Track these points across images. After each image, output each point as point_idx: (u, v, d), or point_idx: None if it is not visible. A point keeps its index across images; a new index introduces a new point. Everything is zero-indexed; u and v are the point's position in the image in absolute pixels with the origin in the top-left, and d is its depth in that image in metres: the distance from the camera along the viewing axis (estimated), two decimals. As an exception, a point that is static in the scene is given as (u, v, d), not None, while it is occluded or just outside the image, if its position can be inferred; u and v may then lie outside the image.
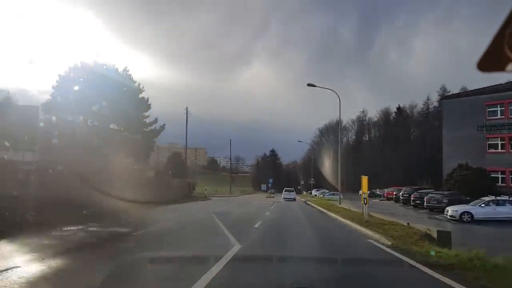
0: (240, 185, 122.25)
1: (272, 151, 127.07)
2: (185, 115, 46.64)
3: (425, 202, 28.89)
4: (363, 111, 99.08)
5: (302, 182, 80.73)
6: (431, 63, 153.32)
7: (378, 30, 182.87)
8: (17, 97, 37.32)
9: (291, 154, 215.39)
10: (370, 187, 68.73)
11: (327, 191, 67.37)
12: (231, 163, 66.99)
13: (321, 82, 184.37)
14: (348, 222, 16.34)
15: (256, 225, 13.60)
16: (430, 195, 29.47)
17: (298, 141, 54.31)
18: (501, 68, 1.42)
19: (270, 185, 63.55)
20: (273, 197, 57.71)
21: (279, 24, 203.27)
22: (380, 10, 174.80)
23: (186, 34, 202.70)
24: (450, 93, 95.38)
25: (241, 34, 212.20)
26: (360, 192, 68.78)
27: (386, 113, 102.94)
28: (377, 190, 75.01)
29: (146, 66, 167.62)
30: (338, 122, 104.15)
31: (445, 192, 29.59)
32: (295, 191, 59.50)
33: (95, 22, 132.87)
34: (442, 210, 26.41)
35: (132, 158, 30.92)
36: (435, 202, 28.29)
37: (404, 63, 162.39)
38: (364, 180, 21.49)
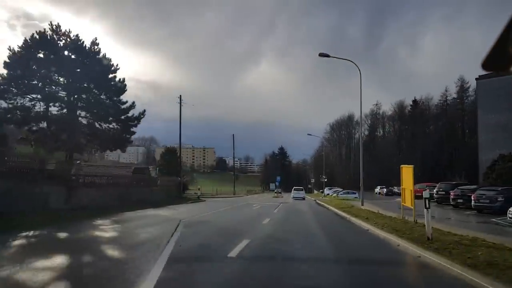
0: (249, 185, 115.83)
1: (281, 149, 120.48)
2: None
3: (473, 201, 22.05)
4: (376, 104, 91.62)
5: (313, 180, 74.06)
6: (440, 59, 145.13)
7: (386, 27, 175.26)
8: None
9: (301, 154, 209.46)
10: (386, 185, 60.80)
11: (340, 189, 60.60)
12: (234, 160, 59.85)
13: (329, 80, 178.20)
14: (394, 238, 9.70)
15: (232, 253, 7.07)
16: (479, 192, 22.59)
17: (308, 134, 47.34)
18: (505, 68, 1.40)
19: (277, 183, 56.89)
20: (281, 196, 51.19)
21: (286, 23, 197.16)
22: (388, 6, 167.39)
23: (193, 35, 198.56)
24: (469, 85, 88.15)
25: (248, 34, 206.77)
26: (377, 190, 61.22)
27: (400, 107, 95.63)
28: (395, 187, 67.86)
29: (152, 68, 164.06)
30: (350, 116, 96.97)
31: (499, 188, 22.70)
32: (306, 190, 57.08)
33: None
34: (497, 212, 19.73)
35: (103, 151, 24.81)
36: (487, 201, 21.42)
37: (413, 59, 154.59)
38: (407, 171, 14.81)
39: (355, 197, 49.48)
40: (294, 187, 49.07)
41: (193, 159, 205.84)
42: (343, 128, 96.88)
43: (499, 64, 1.39)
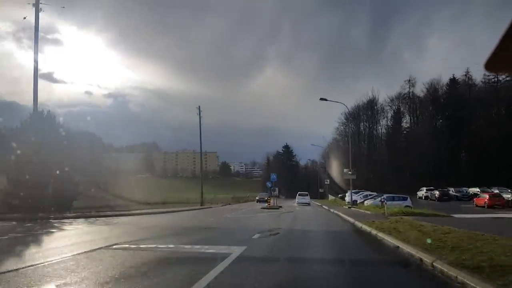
0: (253, 190, 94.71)
1: (286, 147, 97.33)
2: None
3: None
4: (409, 80, 68.03)
5: (327, 182, 51.30)
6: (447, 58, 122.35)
7: (391, 28, 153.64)
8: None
9: (309, 156, 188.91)
10: (427, 186, 38.87)
11: (370, 193, 37.46)
12: (201, 149, 35.60)
13: (334, 83, 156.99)
14: None
15: None
16: None
17: (321, 98, 25.33)
18: (508, 69, 1.36)
19: (269, 185, 33.60)
20: (276, 207, 27.71)
21: (289, 28, 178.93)
22: (392, 7, 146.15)
23: (197, 43, 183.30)
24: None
25: (252, 40, 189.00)
26: (421, 193, 36.81)
27: (434, 88, 72.12)
28: (451, 189, 44.43)
29: (157, 76, 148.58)
30: (371, 101, 73.57)
31: None
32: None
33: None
34: None
35: None
36: None
37: (419, 60, 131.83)
38: None
39: (407, 205, 26.76)
40: (299, 192, 44.25)
41: (194, 164, 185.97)
42: (362, 116, 73.27)
43: (502, 65, 1.32)
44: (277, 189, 56.38)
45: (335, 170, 62.47)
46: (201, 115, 32.67)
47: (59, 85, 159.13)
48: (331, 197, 54.82)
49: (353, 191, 40.88)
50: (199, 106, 32.59)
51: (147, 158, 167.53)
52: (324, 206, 33.13)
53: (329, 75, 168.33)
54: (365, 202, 30.31)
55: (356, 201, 34.09)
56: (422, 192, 44.85)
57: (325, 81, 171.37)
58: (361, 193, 37.72)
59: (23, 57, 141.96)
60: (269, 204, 27.25)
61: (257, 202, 41.63)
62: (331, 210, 25.87)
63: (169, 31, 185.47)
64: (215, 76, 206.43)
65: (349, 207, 27.78)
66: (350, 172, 28.67)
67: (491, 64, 1.32)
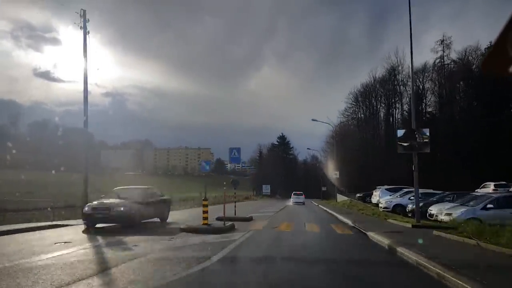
0: (245, 189, 79.43)
1: (282, 138, 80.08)
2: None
3: None
4: (442, 41, 50.53)
5: (337, 175, 34.73)
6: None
7: (387, 27, 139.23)
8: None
9: (308, 158, 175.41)
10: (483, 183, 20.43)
11: (432, 191, 20.16)
12: (86, 91, 19.47)
13: (330, 82, 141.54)
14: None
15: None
16: None
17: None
18: (505, 69, 1.28)
19: (206, 167, 15.26)
20: (228, 227, 9.55)
21: (286, 27, 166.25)
22: (389, 6, 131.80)
23: (193, 42, 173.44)
24: None
25: (249, 39, 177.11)
26: (486, 190, 22.62)
27: (467, 61, 54.77)
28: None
29: (155, 75, 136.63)
30: (392, 69, 53.23)
31: None
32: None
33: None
34: None
35: None
36: None
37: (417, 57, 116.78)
38: None
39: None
40: (294, 192, 41.27)
41: (186, 161, 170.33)
42: (378, 91, 55.66)
43: (499, 65, 1.26)
44: (269, 186, 39.85)
45: (342, 163, 45.92)
46: (87, 26, 15.76)
47: (57, 84, 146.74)
48: (340, 198, 37.93)
49: (380, 188, 24.06)
50: (85, 11, 15.53)
51: (138, 155, 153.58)
52: (342, 219, 15.99)
53: (326, 72, 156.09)
54: (436, 211, 13.33)
55: (398, 203, 17.19)
56: (488, 190, 27.80)
57: (324, 78, 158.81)
58: (401, 191, 20.50)
59: (21, 56, 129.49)
60: (205, 219, 9.69)
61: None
62: (389, 244, 8.93)
63: (166, 30, 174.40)
64: (213, 75, 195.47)
65: (414, 225, 10.87)
66: (407, 143, 11.66)
67: (488, 65, 1.28)
